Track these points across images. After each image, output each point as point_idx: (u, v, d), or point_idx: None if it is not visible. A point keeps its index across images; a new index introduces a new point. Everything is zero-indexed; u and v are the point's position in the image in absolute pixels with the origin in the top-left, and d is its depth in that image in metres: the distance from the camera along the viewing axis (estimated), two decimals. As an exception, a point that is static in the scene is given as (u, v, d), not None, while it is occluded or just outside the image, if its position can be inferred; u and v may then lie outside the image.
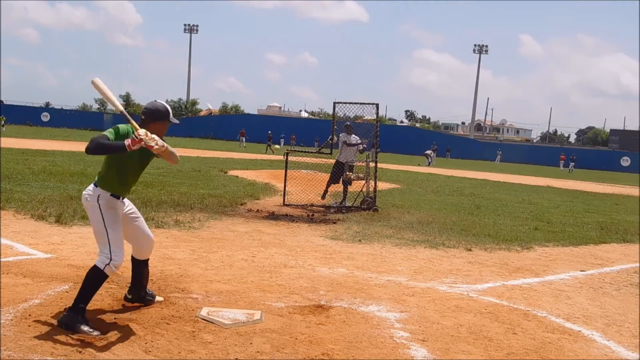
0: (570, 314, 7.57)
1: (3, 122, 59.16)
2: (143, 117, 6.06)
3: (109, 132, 5.78)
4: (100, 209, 5.94)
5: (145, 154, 5.98)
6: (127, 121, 5.89)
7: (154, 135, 5.62)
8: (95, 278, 5.85)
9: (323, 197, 17.67)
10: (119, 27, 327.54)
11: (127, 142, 5.55)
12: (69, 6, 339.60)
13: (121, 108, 6.07)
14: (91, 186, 6.03)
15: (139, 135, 5.56)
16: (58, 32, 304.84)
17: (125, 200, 6.31)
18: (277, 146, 61.02)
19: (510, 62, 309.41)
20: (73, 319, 5.63)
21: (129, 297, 6.64)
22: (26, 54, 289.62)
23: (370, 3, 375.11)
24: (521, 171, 56.57)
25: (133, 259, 6.62)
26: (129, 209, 6.36)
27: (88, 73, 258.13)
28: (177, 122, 6.34)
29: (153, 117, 6.08)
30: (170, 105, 6.30)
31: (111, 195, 5.99)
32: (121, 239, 6.02)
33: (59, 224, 10.94)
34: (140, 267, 6.61)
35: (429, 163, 57.62)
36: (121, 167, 6.02)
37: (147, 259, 6.65)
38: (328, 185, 17.87)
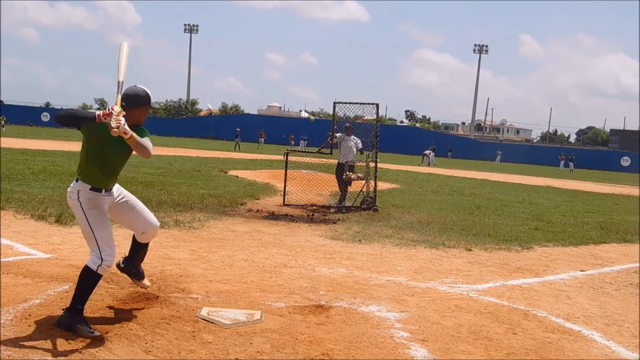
0: (570, 314, 7.57)
1: (3, 122, 59.36)
2: (124, 103, 5.84)
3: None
4: (82, 208, 5.82)
5: (124, 144, 5.76)
6: (117, 93, 5.81)
7: (122, 119, 5.42)
8: (88, 279, 5.80)
9: (340, 201, 17.51)
10: (118, 27, 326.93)
11: (99, 112, 5.48)
12: (69, 6, 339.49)
13: (121, 79, 5.97)
14: (73, 182, 5.92)
15: (112, 108, 5.46)
16: (58, 32, 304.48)
17: (114, 190, 6.15)
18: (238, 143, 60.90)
19: (510, 62, 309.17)
20: (71, 320, 5.60)
21: (122, 266, 6.63)
22: (26, 54, 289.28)
23: (370, 3, 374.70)
24: (521, 171, 56.58)
25: (133, 238, 6.56)
26: (120, 198, 6.21)
27: (88, 73, 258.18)
28: (157, 106, 6.24)
29: (134, 103, 5.94)
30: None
31: (91, 189, 5.84)
32: (109, 236, 5.91)
33: (59, 224, 10.94)
34: (138, 246, 6.55)
35: (429, 163, 57.71)
36: (101, 157, 5.86)
37: (148, 242, 6.60)
38: (343, 185, 17.70)
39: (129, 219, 6.36)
